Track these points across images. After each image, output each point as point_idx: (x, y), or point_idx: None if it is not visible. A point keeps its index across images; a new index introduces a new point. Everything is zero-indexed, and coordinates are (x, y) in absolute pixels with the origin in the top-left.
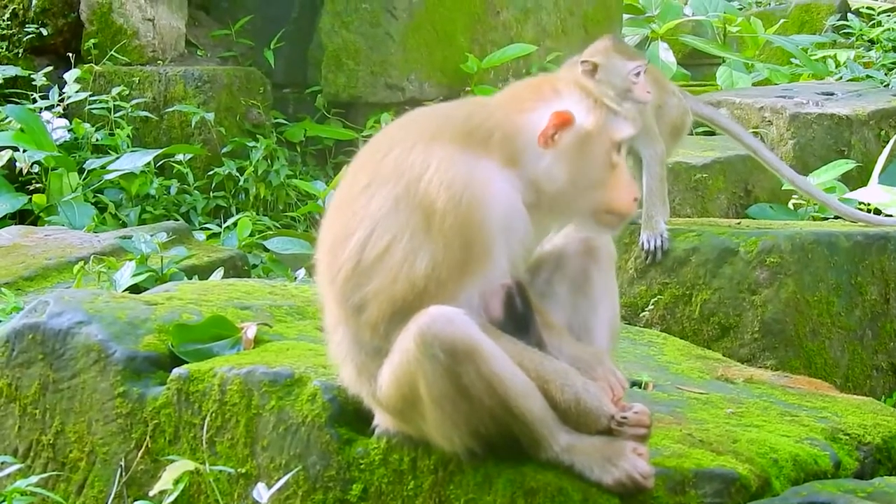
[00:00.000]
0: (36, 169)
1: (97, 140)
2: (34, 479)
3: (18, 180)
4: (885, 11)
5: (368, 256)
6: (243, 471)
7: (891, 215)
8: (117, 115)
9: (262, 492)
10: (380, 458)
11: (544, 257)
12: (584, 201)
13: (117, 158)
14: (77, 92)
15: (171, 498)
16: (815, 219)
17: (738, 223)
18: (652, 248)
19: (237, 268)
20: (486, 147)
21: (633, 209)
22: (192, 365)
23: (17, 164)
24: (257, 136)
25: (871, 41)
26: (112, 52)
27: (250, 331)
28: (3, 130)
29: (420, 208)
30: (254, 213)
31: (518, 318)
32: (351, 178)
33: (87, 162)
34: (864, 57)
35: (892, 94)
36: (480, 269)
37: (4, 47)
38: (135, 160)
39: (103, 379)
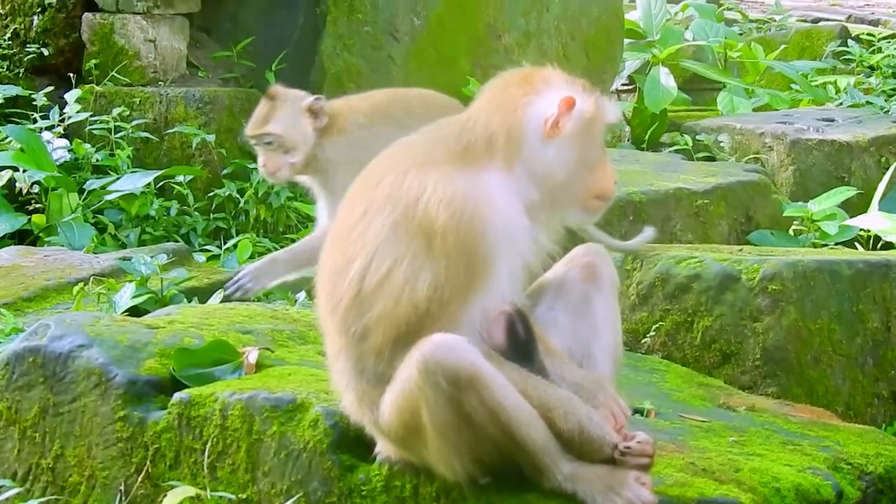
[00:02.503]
0: (36, 189)
1: (97, 160)
2: (33, 502)
3: (18, 200)
4: (885, 38)
5: (369, 283)
6: (244, 496)
7: (892, 243)
8: (118, 135)
9: None
10: (382, 484)
11: (546, 284)
12: (579, 188)
13: (117, 179)
14: (78, 112)
15: None
16: (816, 245)
17: (740, 250)
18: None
19: None
20: (487, 157)
21: (614, 191)
22: (194, 389)
23: (17, 184)
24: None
25: (872, 67)
26: (113, 73)
27: (252, 355)
28: (3, 150)
29: (420, 230)
30: (254, 235)
31: (520, 346)
32: (347, 208)
33: (87, 182)
34: (864, 83)
35: (893, 120)
36: (484, 285)
37: (5, 67)
38: (135, 181)
39: (104, 403)
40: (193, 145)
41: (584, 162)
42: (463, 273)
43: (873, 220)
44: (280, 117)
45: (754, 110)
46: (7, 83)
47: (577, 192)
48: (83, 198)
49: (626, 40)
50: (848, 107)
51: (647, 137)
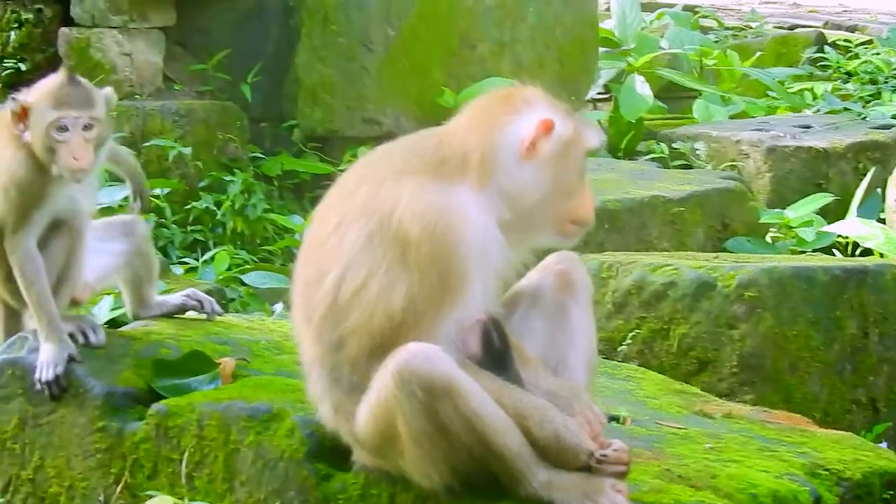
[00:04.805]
0: None
1: None
2: None
3: None
4: (862, 44)
5: (345, 293)
6: None
7: (870, 249)
8: None
9: None
10: (358, 493)
11: (520, 292)
12: (554, 212)
13: None
14: None
15: None
16: (792, 252)
17: (716, 257)
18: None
19: None
20: (461, 173)
21: (593, 218)
22: (171, 400)
23: None
24: (234, 170)
25: (849, 73)
26: None
27: (228, 366)
28: None
29: (395, 241)
30: (231, 247)
31: (495, 354)
32: (321, 218)
33: None
34: (841, 89)
35: (870, 126)
36: (458, 298)
37: None
38: (112, 194)
39: (82, 414)
40: (170, 158)
41: (561, 186)
42: (437, 284)
43: (851, 227)
44: (99, 99)
45: (730, 118)
46: None
47: (552, 215)
48: None
49: (601, 49)
50: (825, 113)
51: (623, 146)
